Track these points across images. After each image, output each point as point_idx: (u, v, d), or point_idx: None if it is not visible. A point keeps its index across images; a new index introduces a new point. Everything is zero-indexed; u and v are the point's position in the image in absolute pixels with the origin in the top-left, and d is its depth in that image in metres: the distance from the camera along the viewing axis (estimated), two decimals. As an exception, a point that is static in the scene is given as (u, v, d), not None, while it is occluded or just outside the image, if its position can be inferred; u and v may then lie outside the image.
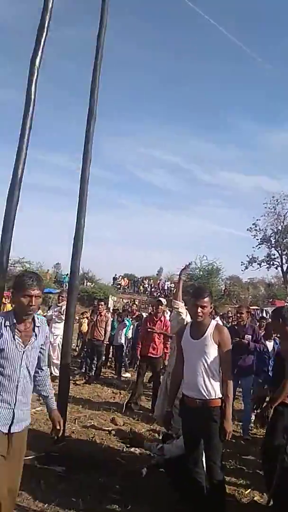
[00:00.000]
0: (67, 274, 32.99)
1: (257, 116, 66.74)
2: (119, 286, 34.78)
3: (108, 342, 9.34)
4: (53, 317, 7.97)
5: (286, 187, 65.25)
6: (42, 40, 4.30)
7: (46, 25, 4.33)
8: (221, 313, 13.96)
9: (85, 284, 30.09)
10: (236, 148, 69.16)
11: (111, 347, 10.68)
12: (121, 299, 27.87)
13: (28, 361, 2.38)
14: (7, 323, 2.32)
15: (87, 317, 11.25)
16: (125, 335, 10.06)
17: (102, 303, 9.33)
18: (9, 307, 9.00)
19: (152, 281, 36.93)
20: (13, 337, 2.32)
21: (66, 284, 30.96)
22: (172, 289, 32.24)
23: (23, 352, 2.35)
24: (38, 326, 2.44)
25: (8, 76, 55.46)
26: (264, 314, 22.78)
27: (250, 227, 40.71)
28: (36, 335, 2.41)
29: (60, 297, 8.15)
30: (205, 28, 67.31)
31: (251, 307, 14.72)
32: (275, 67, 60.95)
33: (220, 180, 70.46)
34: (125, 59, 62.85)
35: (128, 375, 9.68)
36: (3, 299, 4.21)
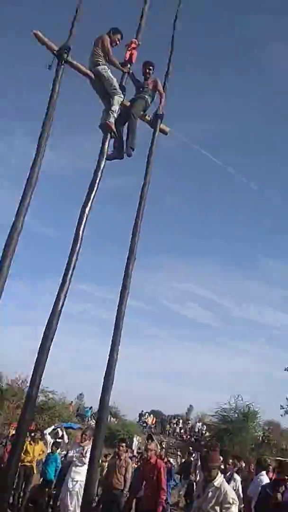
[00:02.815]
0: (90, 407, 31.28)
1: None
2: (145, 425, 32.14)
3: (128, 492, 8.10)
4: (74, 459, 7.27)
5: None
6: (93, 192, 4.99)
7: (97, 180, 5.07)
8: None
9: (109, 419, 28.07)
10: (270, 286, 70.10)
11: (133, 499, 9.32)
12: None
13: None
14: None
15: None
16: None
17: (123, 444, 8.26)
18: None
19: (181, 421, 34.06)
20: None
21: (88, 419, 28.95)
22: (204, 431, 29.38)
23: None
24: None
25: (54, 215, 62.06)
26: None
27: (288, 367, 38.48)
28: None
29: (84, 435, 7.49)
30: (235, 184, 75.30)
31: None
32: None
33: (256, 316, 69.72)
34: (162, 206, 69.84)
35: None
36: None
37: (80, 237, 4.76)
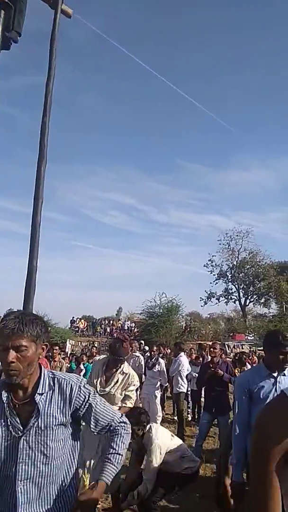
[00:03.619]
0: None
1: (204, 160, 71.00)
2: (77, 329, 33.92)
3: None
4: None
5: (235, 224, 68.30)
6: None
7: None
8: (186, 350, 13.58)
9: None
10: (186, 189, 72.21)
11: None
12: (79, 343, 27.08)
13: (33, 450, 1.61)
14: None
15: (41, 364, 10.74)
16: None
17: (57, 347, 8.90)
18: None
19: (112, 321, 36.41)
20: (3, 415, 1.61)
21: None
22: (133, 328, 31.90)
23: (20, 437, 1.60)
24: (42, 394, 1.64)
25: None
26: (226, 348, 23.06)
27: (207, 263, 41.94)
28: (38, 409, 1.61)
29: None
30: (155, 81, 71.58)
31: (211, 342, 14.72)
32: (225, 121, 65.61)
33: (175, 219, 72.74)
34: (80, 108, 65.15)
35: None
36: None
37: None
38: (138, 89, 67.52)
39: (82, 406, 1.72)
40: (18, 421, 1.61)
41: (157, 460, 3.69)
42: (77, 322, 35.05)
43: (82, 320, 35.99)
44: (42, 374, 1.68)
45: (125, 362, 4.00)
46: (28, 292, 4.50)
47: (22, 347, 1.57)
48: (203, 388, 7.00)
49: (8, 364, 1.54)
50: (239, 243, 41.53)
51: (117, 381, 3.82)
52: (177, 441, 4.06)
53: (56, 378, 1.71)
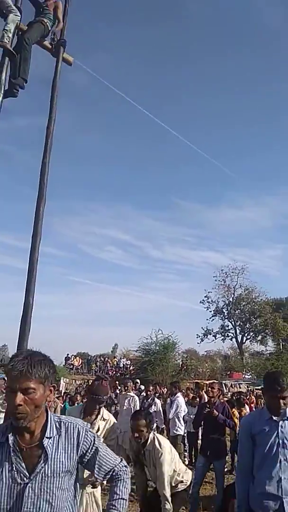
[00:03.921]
0: (16, 356, 31.17)
1: (198, 197, 72.61)
2: (71, 367, 33.13)
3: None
4: (-2, 405, 7.31)
5: (230, 261, 68.71)
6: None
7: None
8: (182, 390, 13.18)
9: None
10: (181, 226, 73.15)
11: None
12: (74, 381, 26.40)
13: (39, 499, 1.52)
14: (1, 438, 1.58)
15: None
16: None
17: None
18: None
19: (107, 358, 35.68)
20: (8, 460, 1.53)
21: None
22: (128, 365, 31.24)
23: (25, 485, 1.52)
24: (50, 437, 1.60)
25: None
26: (224, 388, 22.54)
27: (203, 300, 41.67)
28: (46, 454, 1.56)
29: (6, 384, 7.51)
30: (150, 127, 74.27)
31: (208, 381, 14.43)
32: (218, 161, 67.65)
33: (170, 255, 73.16)
34: (78, 146, 67.06)
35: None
36: None
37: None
38: (135, 129, 69.90)
39: (89, 451, 1.69)
40: (24, 467, 1.54)
41: (169, 469, 3.56)
42: (72, 359, 34.29)
43: (77, 357, 35.23)
44: (49, 418, 1.64)
45: (104, 408, 3.70)
46: (24, 329, 4.45)
47: (30, 389, 1.52)
48: (200, 430, 6.79)
49: (16, 407, 1.50)
50: (234, 279, 41.57)
51: (98, 429, 3.52)
52: (175, 452, 3.93)
53: (62, 422, 1.68)
